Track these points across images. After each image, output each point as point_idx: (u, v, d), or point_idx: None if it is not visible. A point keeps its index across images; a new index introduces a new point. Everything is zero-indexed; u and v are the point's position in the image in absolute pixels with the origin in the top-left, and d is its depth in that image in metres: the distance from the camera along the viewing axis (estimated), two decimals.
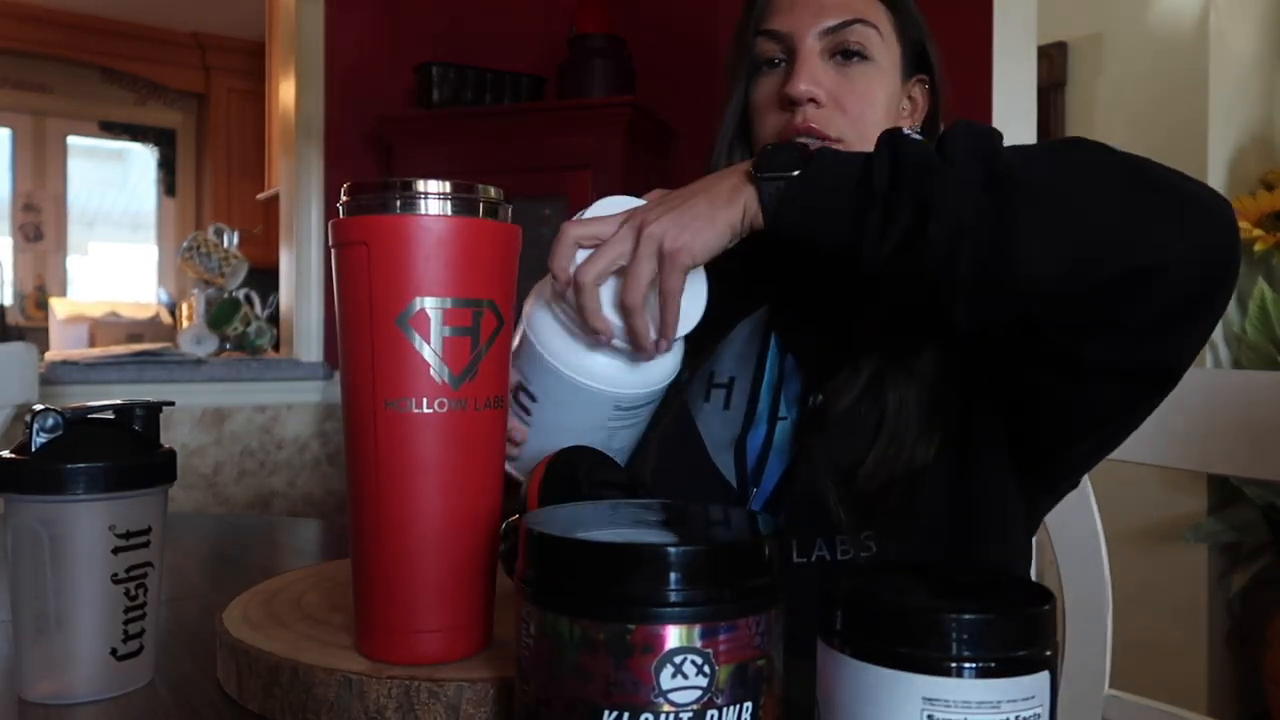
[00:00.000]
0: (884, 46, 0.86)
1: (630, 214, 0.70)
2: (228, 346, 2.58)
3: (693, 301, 0.72)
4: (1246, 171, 2.53)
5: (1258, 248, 2.41)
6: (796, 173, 0.67)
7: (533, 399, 0.73)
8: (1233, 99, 2.52)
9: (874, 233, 0.62)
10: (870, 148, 0.77)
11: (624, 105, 2.37)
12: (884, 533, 0.78)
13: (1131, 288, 0.60)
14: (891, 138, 0.64)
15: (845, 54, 0.85)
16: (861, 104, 0.85)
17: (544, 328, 0.72)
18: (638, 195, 0.75)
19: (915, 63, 0.90)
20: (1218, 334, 2.48)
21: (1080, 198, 0.61)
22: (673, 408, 0.84)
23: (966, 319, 0.64)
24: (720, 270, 0.95)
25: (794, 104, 0.84)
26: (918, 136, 0.65)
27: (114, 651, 0.59)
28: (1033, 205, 0.60)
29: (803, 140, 0.82)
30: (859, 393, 0.80)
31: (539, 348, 0.72)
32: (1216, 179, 2.48)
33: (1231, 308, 2.51)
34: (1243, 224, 2.40)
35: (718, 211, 0.68)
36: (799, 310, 0.88)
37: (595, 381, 0.71)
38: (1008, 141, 0.64)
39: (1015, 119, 1.91)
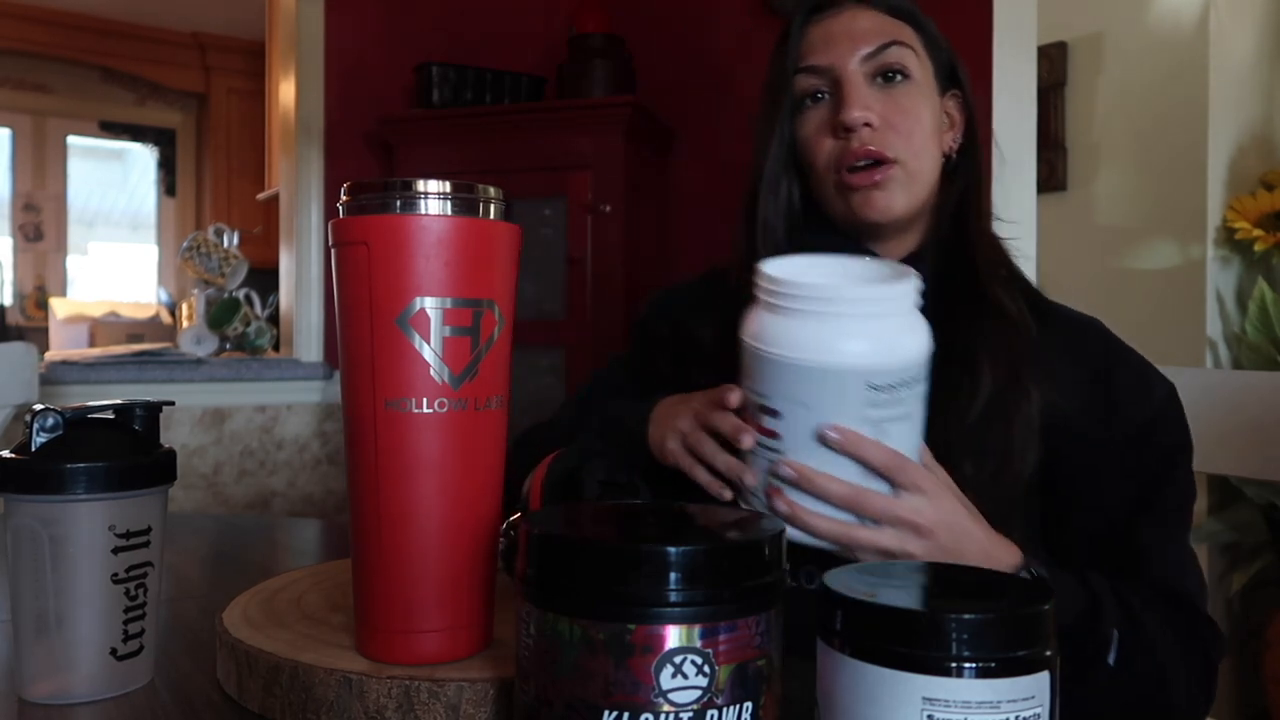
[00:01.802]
0: (920, 65, 0.89)
1: (901, 529, 0.68)
2: (228, 346, 2.58)
3: None
4: (1246, 171, 2.53)
5: (1258, 247, 2.40)
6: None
7: (776, 415, 0.67)
8: (1233, 99, 2.51)
9: (1083, 654, 0.72)
10: (922, 165, 0.87)
11: (624, 105, 2.36)
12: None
13: None
14: (1095, 602, 0.73)
15: (887, 76, 0.88)
16: (910, 122, 0.87)
17: (770, 330, 0.67)
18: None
19: (947, 79, 0.93)
20: (1217, 334, 2.47)
21: None
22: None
23: None
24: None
25: (849, 130, 0.87)
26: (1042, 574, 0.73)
27: (114, 651, 0.59)
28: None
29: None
30: None
31: (770, 349, 0.67)
32: (1216, 179, 2.48)
33: (1232, 308, 2.50)
34: (1242, 224, 2.40)
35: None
36: None
37: (838, 358, 0.65)
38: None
39: (1015, 119, 1.91)
